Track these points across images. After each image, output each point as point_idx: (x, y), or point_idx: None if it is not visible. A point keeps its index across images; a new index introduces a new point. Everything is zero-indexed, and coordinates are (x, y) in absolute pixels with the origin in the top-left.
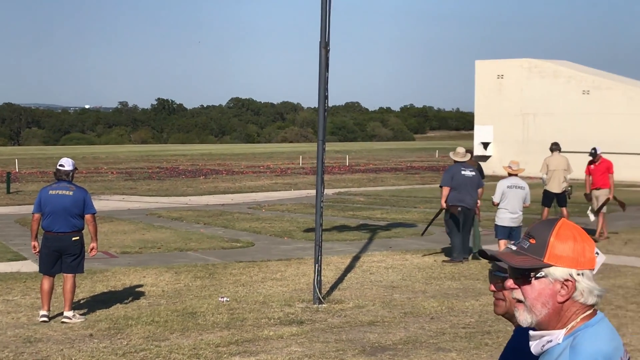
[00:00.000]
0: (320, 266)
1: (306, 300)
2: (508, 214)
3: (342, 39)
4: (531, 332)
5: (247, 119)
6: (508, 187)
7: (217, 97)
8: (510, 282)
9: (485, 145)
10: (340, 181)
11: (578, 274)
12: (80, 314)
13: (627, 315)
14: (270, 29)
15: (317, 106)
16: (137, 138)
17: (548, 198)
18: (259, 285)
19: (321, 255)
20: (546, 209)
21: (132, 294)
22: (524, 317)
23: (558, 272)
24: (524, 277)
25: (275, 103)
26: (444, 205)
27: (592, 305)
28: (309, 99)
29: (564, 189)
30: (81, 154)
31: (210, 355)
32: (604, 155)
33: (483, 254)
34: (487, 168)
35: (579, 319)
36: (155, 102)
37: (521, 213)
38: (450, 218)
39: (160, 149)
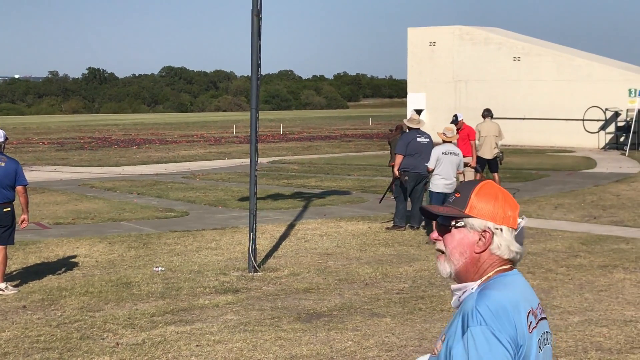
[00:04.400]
0: (255, 234)
1: (241, 268)
2: (442, 180)
3: (275, 7)
4: (452, 287)
5: (180, 88)
6: (443, 153)
7: (149, 66)
8: (434, 234)
9: (418, 112)
10: (275, 150)
11: (496, 228)
12: (13, 286)
13: (557, 278)
14: None
15: (250, 75)
16: (68, 108)
17: (480, 164)
18: (193, 254)
19: (256, 223)
20: (478, 174)
21: (65, 265)
22: (443, 267)
23: (477, 222)
24: (445, 227)
25: (208, 72)
26: (397, 173)
27: (509, 261)
28: (243, 68)
29: (495, 155)
30: (11, 125)
31: (145, 324)
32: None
33: (422, 211)
34: None
35: (494, 271)
36: (86, 72)
37: (455, 179)
38: (401, 185)
39: (92, 118)
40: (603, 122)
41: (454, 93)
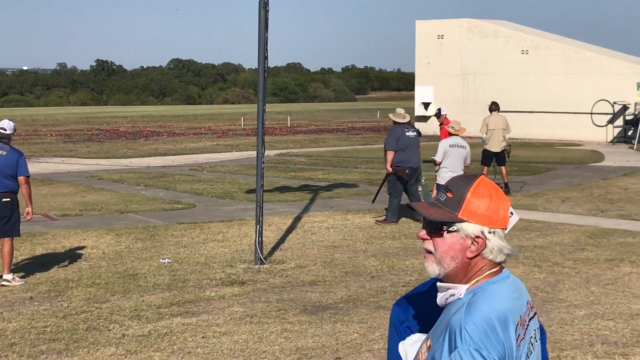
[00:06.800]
0: (261, 227)
1: (248, 260)
2: (450, 173)
3: None
4: (438, 284)
5: (187, 80)
6: (450, 146)
7: (158, 58)
8: (422, 233)
9: (426, 105)
10: (282, 142)
11: (490, 232)
12: (20, 277)
13: (563, 272)
14: None
15: (257, 67)
16: (76, 100)
17: (488, 157)
18: (200, 246)
19: (262, 216)
20: (485, 167)
21: (72, 256)
22: (432, 268)
23: (470, 228)
24: (436, 229)
25: (216, 64)
26: (390, 169)
27: (499, 263)
28: (251, 60)
29: (503, 148)
30: (20, 116)
31: (151, 316)
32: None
33: (410, 207)
34: (429, 128)
35: (484, 275)
36: (94, 64)
37: (462, 172)
38: (398, 180)
39: (100, 110)
40: (611, 116)
41: (462, 86)
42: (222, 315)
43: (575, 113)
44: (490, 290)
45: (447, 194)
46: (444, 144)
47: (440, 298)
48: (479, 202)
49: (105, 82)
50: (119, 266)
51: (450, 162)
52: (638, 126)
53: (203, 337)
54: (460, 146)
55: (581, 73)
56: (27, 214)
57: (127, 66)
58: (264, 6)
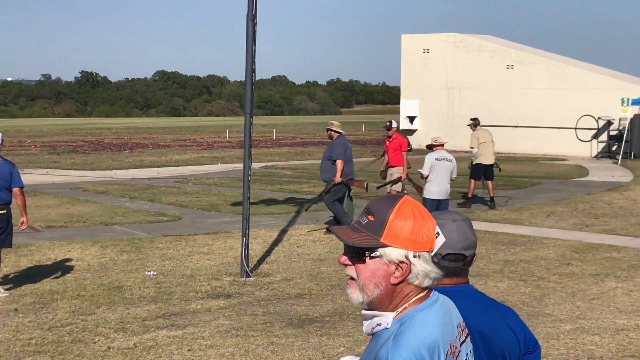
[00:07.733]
0: (247, 239)
1: (234, 273)
2: (436, 187)
3: (269, 12)
4: (363, 312)
5: (172, 92)
6: (436, 159)
7: (142, 70)
8: (344, 259)
9: (411, 119)
10: (267, 155)
11: (414, 256)
12: (5, 289)
13: (548, 286)
14: (196, 0)
15: (243, 79)
16: (60, 111)
17: (479, 171)
18: (186, 259)
19: (248, 228)
20: (473, 181)
21: (57, 268)
22: (355, 296)
23: (394, 253)
24: (358, 255)
25: (201, 76)
26: (341, 179)
27: (427, 287)
28: (236, 73)
29: (495, 161)
30: (4, 127)
31: (137, 328)
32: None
33: (328, 230)
34: (413, 142)
35: (411, 301)
36: (79, 75)
37: (449, 186)
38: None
39: (85, 122)
40: (595, 131)
41: (447, 100)
42: (208, 328)
43: (559, 128)
44: (418, 319)
45: (369, 216)
46: (430, 158)
47: (367, 327)
48: (403, 224)
49: (89, 93)
50: (104, 278)
51: (437, 176)
52: (622, 141)
53: (189, 350)
54: (447, 159)
55: (566, 88)
56: (22, 223)
57: (112, 78)
58: (251, 19)
